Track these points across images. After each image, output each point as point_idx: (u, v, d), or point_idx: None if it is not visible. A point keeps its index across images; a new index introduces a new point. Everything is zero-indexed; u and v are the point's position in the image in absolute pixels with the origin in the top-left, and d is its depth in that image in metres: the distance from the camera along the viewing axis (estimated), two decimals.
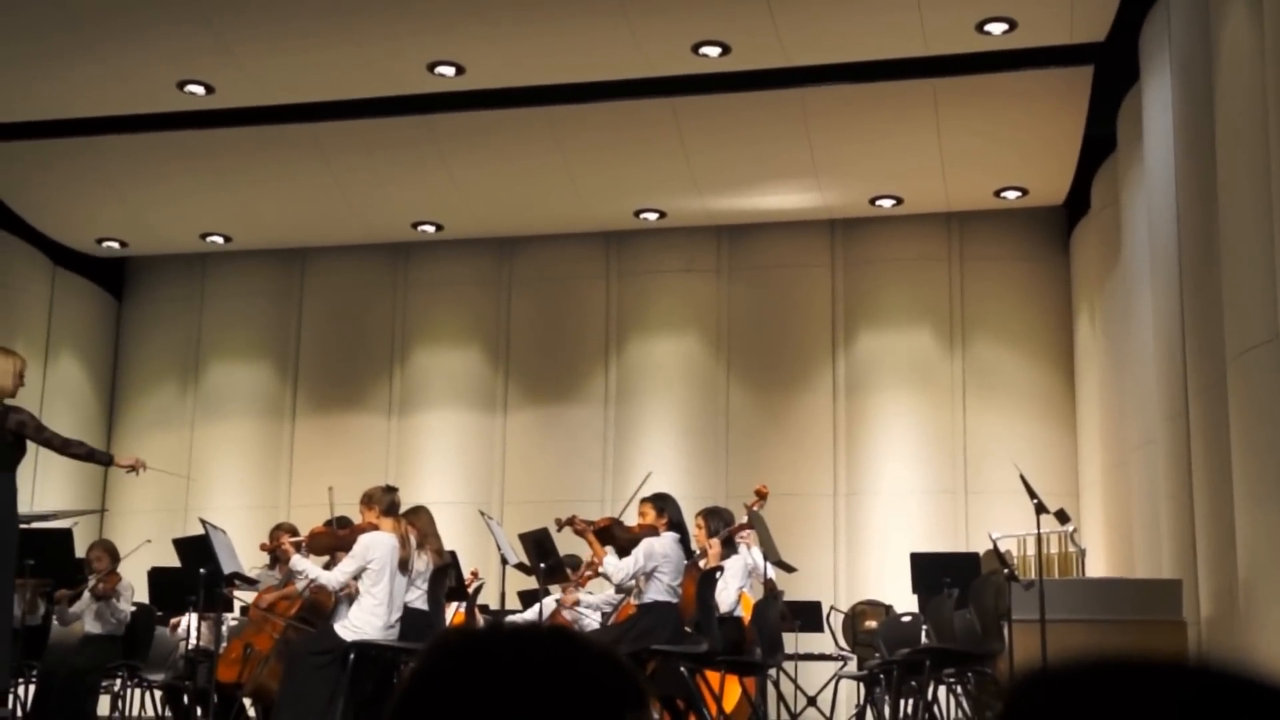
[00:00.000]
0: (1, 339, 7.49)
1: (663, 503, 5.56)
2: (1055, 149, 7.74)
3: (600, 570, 5.53)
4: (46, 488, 8.11)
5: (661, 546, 5.40)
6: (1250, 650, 4.33)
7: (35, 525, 6.09)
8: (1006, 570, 5.12)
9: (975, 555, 6.29)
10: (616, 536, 5.57)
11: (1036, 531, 5.12)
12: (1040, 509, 4.97)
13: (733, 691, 5.80)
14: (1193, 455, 5.04)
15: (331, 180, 8.33)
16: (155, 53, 6.82)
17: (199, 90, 7.23)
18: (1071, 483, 8.15)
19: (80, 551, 6.36)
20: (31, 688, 6.29)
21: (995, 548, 5.26)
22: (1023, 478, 5.08)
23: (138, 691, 6.66)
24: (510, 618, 5.66)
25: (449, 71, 7.00)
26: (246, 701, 5.90)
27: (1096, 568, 7.07)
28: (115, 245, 9.39)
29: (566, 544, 6.00)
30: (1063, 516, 5.29)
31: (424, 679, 0.82)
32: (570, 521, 5.56)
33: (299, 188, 8.45)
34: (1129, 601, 5.16)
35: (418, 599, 5.48)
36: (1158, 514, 5.71)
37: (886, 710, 6.00)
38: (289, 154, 8.07)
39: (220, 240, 9.33)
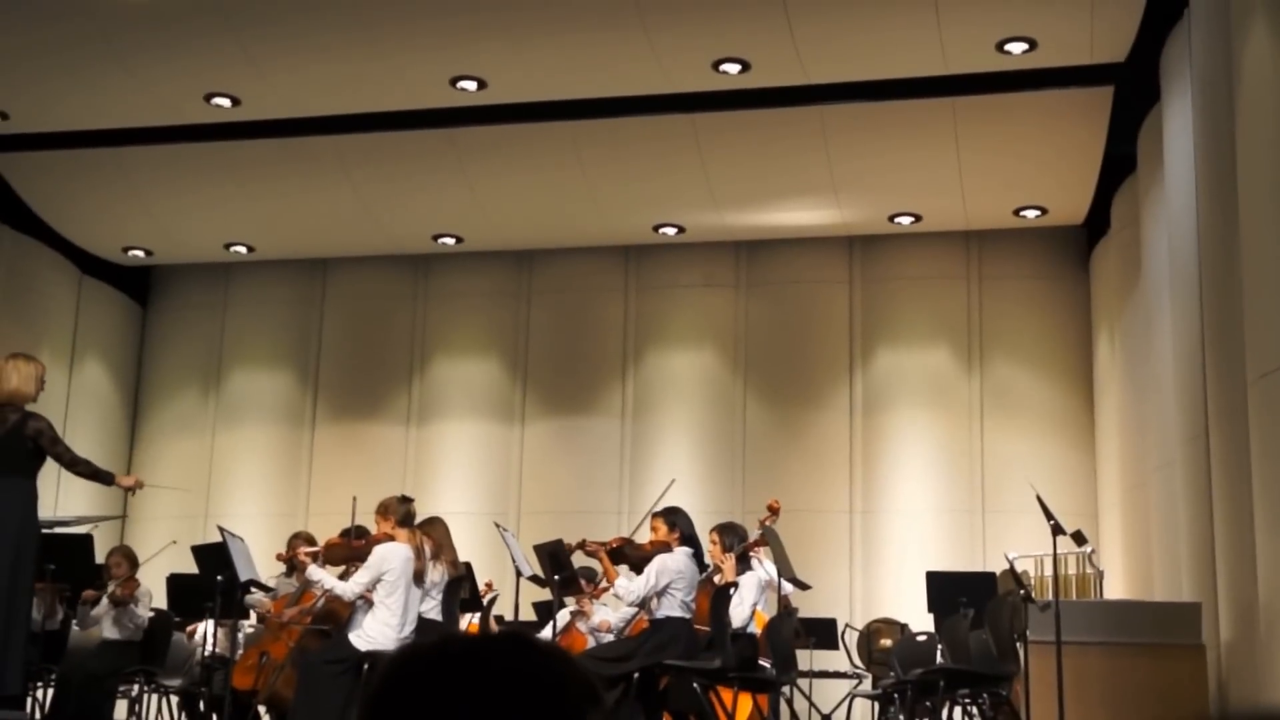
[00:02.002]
0: (28, 344, 7.59)
1: (674, 517, 5.56)
2: (1075, 168, 7.72)
3: (613, 591, 5.54)
4: (68, 493, 8.20)
5: (674, 563, 5.40)
6: (1270, 676, 4.29)
7: (56, 530, 6.15)
8: (1023, 591, 5.09)
9: (991, 575, 6.25)
10: (629, 556, 5.59)
11: (1053, 552, 5.09)
12: (1057, 530, 4.94)
13: (745, 708, 5.78)
14: (1213, 478, 5.01)
15: (353, 192, 8.40)
16: (183, 66, 6.91)
17: (225, 103, 7.32)
18: (1090, 504, 8.10)
19: (100, 557, 6.43)
20: (49, 691, 6.34)
21: (1012, 568, 5.23)
22: (1039, 499, 5.06)
23: (154, 697, 6.70)
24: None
25: (471, 86, 7.06)
26: (261, 709, 5.93)
27: (1114, 589, 7.02)
28: (141, 254, 9.50)
29: (581, 558, 6.01)
30: (1080, 538, 5.25)
31: (386, 695, 0.81)
32: (581, 545, 5.59)
33: (322, 199, 8.53)
34: (1147, 624, 5.11)
35: (432, 609, 5.50)
36: (1177, 536, 5.67)
37: None
38: (312, 166, 8.15)
39: (244, 250, 9.42)
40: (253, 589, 5.93)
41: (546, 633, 6.10)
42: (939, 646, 6.00)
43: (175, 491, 9.37)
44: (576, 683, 0.83)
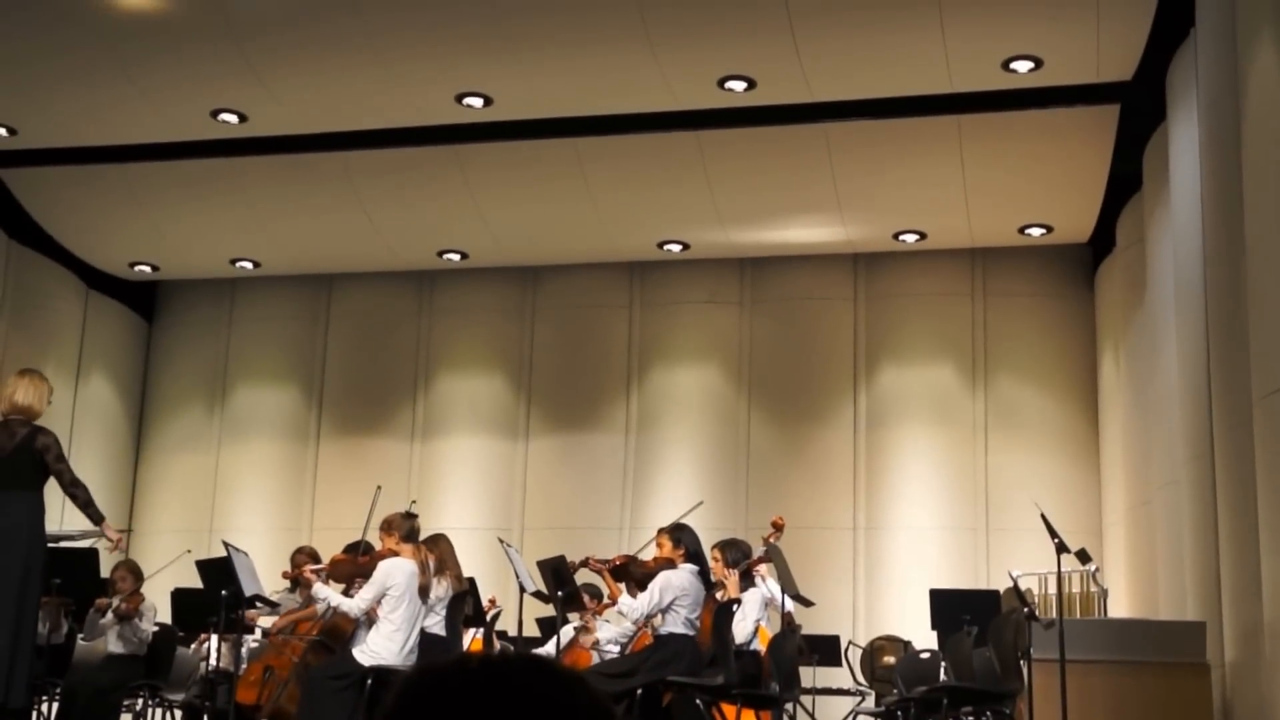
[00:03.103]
0: (35, 359, 7.64)
1: (680, 534, 5.58)
2: (1080, 186, 7.74)
3: (617, 609, 5.55)
4: (73, 508, 8.20)
5: (679, 579, 5.41)
6: (1275, 695, 4.28)
7: (62, 544, 6.17)
8: (1026, 609, 5.08)
9: (995, 593, 6.25)
10: (633, 573, 5.60)
11: (1057, 570, 5.09)
12: (1061, 548, 4.94)
13: None
14: (1217, 496, 5.00)
15: (359, 208, 8.44)
16: (190, 82, 6.95)
17: (232, 119, 7.36)
18: (1094, 522, 8.09)
19: (105, 571, 6.45)
20: (54, 705, 6.35)
21: (1015, 586, 5.22)
22: (1044, 517, 5.06)
23: (158, 711, 6.72)
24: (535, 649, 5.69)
25: (477, 103, 7.09)
26: None
27: (1119, 608, 7.01)
28: (147, 269, 9.54)
29: (585, 574, 6.02)
30: (1084, 556, 5.26)
31: (401, 713, 0.82)
32: (584, 563, 5.61)
33: (327, 215, 8.57)
34: (1151, 643, 5.10)
35: (436, 625, 5.52)
36: (1181, 555, 5.67)
37: None
38: (318, 182, 8.19)
39: (249, 265, 9.46)
40: (256, 603, 5.94)
41: (550, 648, 6.10)
42: (942, 664, 6.00)
43: (182, 505, 9.40)
44: (592, 706, 0.83)
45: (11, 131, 7.63)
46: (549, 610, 6.13)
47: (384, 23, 6.36)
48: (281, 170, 8.09)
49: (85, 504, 5.06)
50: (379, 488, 6.18)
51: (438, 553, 5.56)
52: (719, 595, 5.70)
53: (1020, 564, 5.98)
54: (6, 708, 4.72)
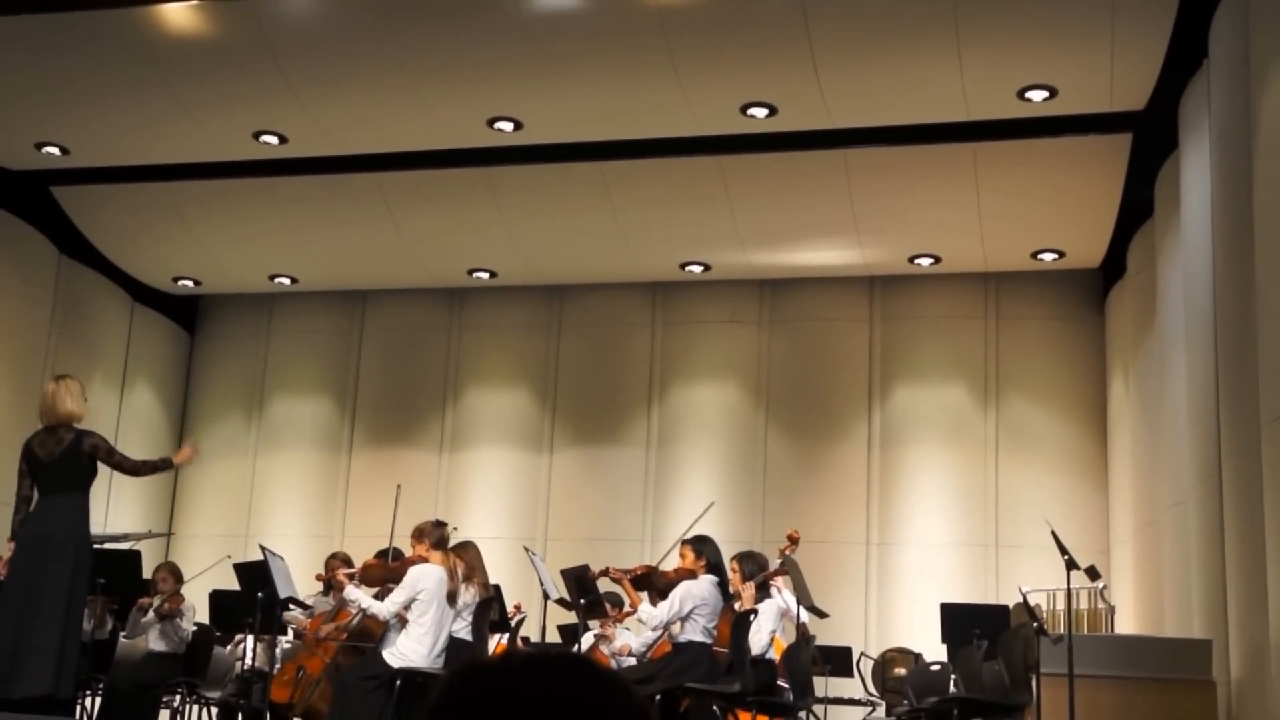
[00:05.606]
0: (82, 369, 7.91)
1: (702, 546, 5.73)
2: (1093, 213, 7.83)
3: (638, 617, 5.70)
4: (117, 510, 8.48)
5: (699, 589, 5.56)
6: (1279, 712, 4.37)
7: (105, 545, 6.42)
8: (1036, 624, 5.19)
9: (1005, 608, 6.34)
10: (654, 583, 5.76)
11: (1066, 587, 5.19)
12: (1071, 565, 5.04)
13: None
14: (1225, 517, 5.06)
15: (393, 227, 8.67)
16: (234, 105, 7.18)
17: (273, 140, 7.59)
18: (1102, 540, 8.18)
19: (147, 572, 6.68)
20: (97, 699, 6.58)
21: (1025, 601, 5.34)
22: (1054, 534, 5.17)
23: (195, 707, 6.91)
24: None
25: (508, 127, 7.29)
26: None
27: (1126, 625, 7.09)
28: (190, 284, 9.81)
29: (606, 583, 6.19)
30: (1093, 573, 5.35)
31: (446, 709, 0.85)
32: (605, 572, 5.77)
33: (362, 234, 8.79)
34: (1158, 660, 5.17)
35: (463, 630, 5.69)
36: (1188, 573, 5.74)
37: None
38: (354, 202, 8.40)
39: (287, 281, 9.72)
40: (291, 606, 6.14)
41: None
42: (952, 676, 6.10)
43: (221, 510, 9.66)
44: (632, 706, 0.87)
45: (64, 151, 7.89)
46: (571, 617, 6.30)
47: (420, 50, 6.57)
48: (319, 190, 8.33)
49: (153, 467, 5.34)
50: (399, 486, 6.38)
51: (466, 559, 5.74)
52: (736, 606, 5.85)
53: (1030, 580, 6.10)
54: (55, 698, 4.93)
